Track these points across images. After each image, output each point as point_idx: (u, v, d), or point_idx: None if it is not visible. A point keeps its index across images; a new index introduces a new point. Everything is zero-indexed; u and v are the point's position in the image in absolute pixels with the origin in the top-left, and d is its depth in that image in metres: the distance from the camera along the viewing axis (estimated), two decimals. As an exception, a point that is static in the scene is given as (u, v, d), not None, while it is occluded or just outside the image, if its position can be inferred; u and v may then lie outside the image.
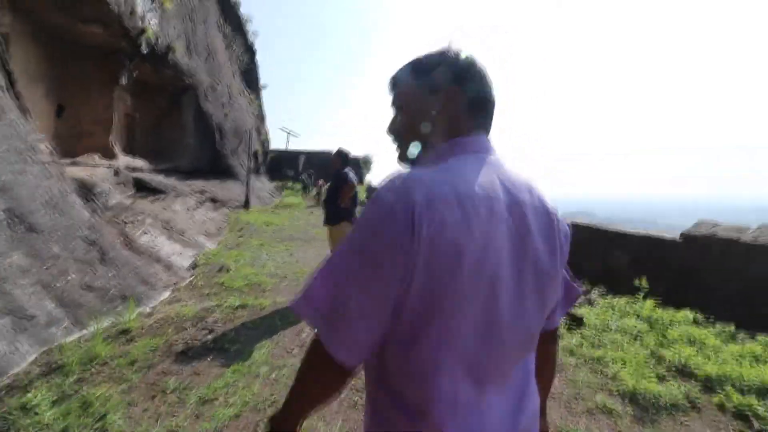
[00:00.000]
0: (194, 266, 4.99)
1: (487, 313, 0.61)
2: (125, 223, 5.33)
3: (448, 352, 0.60)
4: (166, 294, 3.70)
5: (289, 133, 19.52)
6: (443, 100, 0.74)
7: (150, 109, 12.44)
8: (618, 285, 4.74)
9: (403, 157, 0.80)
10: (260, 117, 21.17)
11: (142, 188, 10.01)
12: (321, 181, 19.63)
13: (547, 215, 0.71)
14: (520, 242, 0.65)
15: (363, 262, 0.60)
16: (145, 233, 5.26)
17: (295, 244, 7.58)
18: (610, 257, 5.07)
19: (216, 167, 13.64)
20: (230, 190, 12.98)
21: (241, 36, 19.40)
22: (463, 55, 0.76)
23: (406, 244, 0.57)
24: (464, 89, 0.73)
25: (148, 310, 3.28)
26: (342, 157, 4.23)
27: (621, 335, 3.34)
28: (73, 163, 7.52)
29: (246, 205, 12.30)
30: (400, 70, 0.80)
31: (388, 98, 0.82)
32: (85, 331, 2.84)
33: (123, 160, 9.88)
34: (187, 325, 3.05)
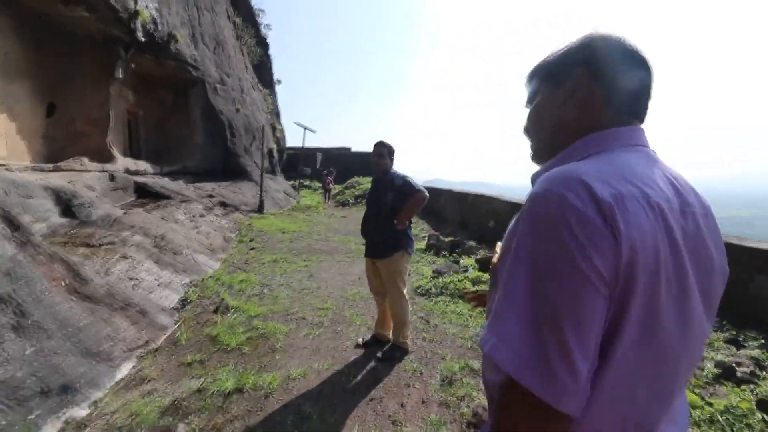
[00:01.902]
0: (184, 303, 3.78)
1: (677, 330, 0.54)
2: (99, 246, 4.16)
3: (645, 377, 0.53)
4: (126, 369, 2.47)
5: (305, 129, 18.30)
6: (570, 88, 0.66)
7: (154, 106, 11.42)
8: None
9: (536, 157, 0.74)
10: (275, 113, 20.08)
11: (145, 193, 8.97)
12: (330, 179, 18.55)
13: (712, 217, 0.64)
14: (694, 247, 0.57)
15: (568, 286, 0.47)
16: (125, 258, 4.08)
17: (314, 258, 6.34)
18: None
19: (227, 168, 12.57)
20: (243, 192, 11.87)
21: (253, 27, 18.29)
22: (592, 36, 0.66)
23: (611, 252, 0.48)
24: (594, 71, 0.64)
25: (82, 412, 2.05)
26: (391, 153, 2.91)
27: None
28: (56, 169, 6.47)
29: (260, 208, 11.18)
30: (534, 67, 0.74)
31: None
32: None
33: (122, 162, 8.85)
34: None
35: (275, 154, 16.93)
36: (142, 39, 8.37)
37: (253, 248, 6.89)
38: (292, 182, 20.21)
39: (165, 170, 10.66)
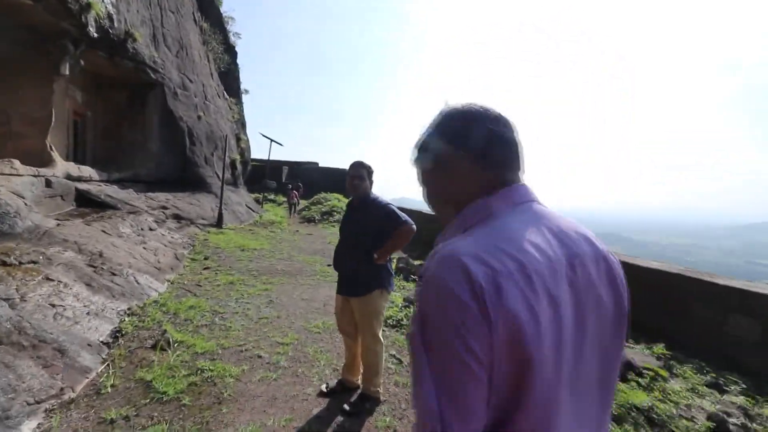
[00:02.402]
0: (116, 336, 3.23)
1: (559, 380, 0.57)
2: (17, 264, 3.54)
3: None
4: (27, 430, 1.96)
5: (272, 141, 17.72)
6: (452, 167, 0.70)
7: (106, 108, 10.57)
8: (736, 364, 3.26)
9: (444, 224, 0.75)
10: (240, 123, 19.38)
11: (87, 202, 8.11)
12: (295, 192, 18.27)
13: (605, 261, 0.67)
14: (584, 296, 0.62)
15: (450, 373, 0.53)
16: (48, 281, 3.48)
17: (276, 280, 5.85)
18: (724, 323, 3.58)
19: (185, 178, 11.79)
20: (201, 204, 11.12)
21: (221, 33, 17.71)
22: (451, 111, 0.72)
23: (486, 335, 0.52)
24: (467, 147, 0.69)
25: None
26: (370, 175, 2.53)
27: None
28: (-22, 171, 5.65)
29: (218, 223, 10.48)
30: (412, 149, 0.79)
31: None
32: None
33: (63, 167, 7.99)
34: None
35: (238, 166, 16.20)
36: (95, 35, 7.70)
37: (207, 267, 6.30)
38: (255, 195, 19.42)
39: (114, 177, 9.79)
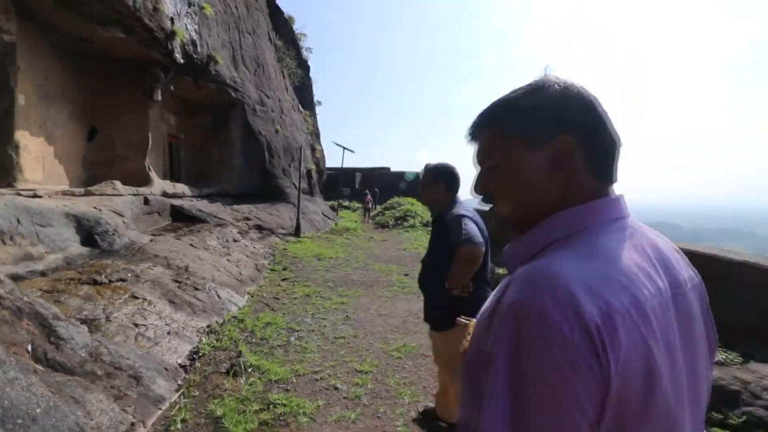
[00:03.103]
0: (194, 358, 3.11)
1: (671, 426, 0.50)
2: (107, 283, 3.63)
3: None
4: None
5: (344, 149, 17.97)
6: (552, 155, 0.55)
7: (195, 129, 11.40)
8: None
9: (503, 227, 0.62)
10: (315, 134, 20.00)
11: (181, 217, 8.73)
12: (369, 197, 19.28)
13: (700, 285, 0.61)
14: (688, 329, 0.54)
15: (540, 408, 0.43)
16: (134, 299, 3.52)
17: (352, 292, 5.58)
18: None
19: (266, 190, 12.29)
20: (280, 214, 11.47)
21: (294, 49, 18.46)
22: (567, 88, 0.57)
23: (598, 385, 0.42)
24: (578, 136, 0.55)
25: None
26: (439, 178, 2.03)
27: None
28: (87, 193, 6.23)
29: (296, 232, 10.68)
30: (482, 115, 0.61)
31: (469, 148, 0.65)
32: None
33: (160, 185, 8.67)
34: None
35: (314, 175, 16.64)
36: (181, 60, 8.23)
37: (285, 278, 6.26)
38: (331, 203, 19.87)
39: (204, 192, 10.49)
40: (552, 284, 0.46)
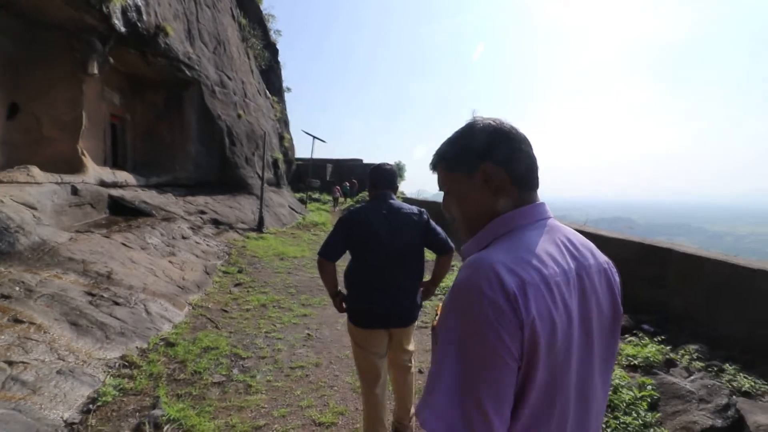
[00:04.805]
0: (89, 409, 2.27)
1: (567, 385, 0.67)
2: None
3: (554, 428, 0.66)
4: None
5: (315, 139, 16.96)
6: (480, 180, 0.75)
7: (144, 110, 10.15)
8: None
9: (462, 233, 0.83)
10: (283, 122, 18.83)
11: (120, 210, 7.62)
12: (338, 188, 20.41)
13: (605, 272, 0.77)
14: (588, 305, 0.71)
15: (485, 362, 0.60)
16: (17, 323, 2.62)
17: (316, 301, 4.82)
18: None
19: (226, 179, 11.22)
20: (241, 207, 10.47)
21: (261, 30, 17.17)
22: (486, 127, 0.77)
23: (517, 333, 0.59)
24: (497, 161, 0.74)
25: None
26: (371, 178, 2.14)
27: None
28: (-9, 181, 5.10)
29: (259, 226, 9.74)
30: (436, 154, 0.84)
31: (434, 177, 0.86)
32: None
33: (96, 172, 7.51)
34: None
35: (281, 165, 15.58)
36: (123, 29, 7.09)
37: (239, 283, 5.41)
38: (299, 195, 18.85)
39: (152, 182, 9.34)
40: (484, 266, 0.63)
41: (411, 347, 2.14)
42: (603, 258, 0.78)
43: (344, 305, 2.11)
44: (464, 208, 0.79)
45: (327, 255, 2.01)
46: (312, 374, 2.94)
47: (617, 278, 0.79)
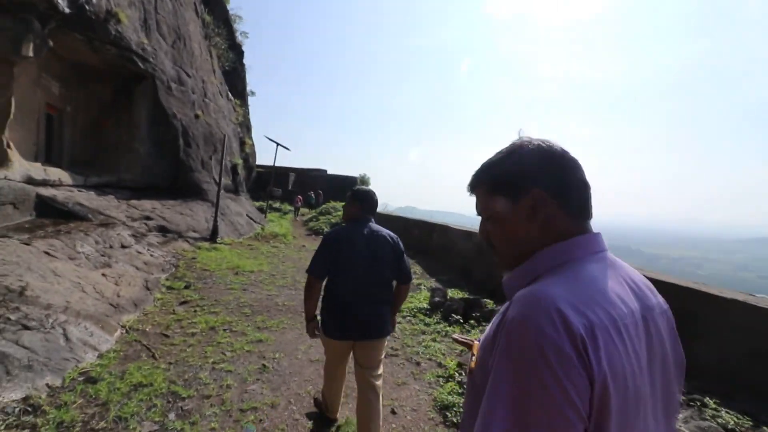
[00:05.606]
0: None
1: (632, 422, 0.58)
2: None
3: None
4: None
5: (278, 146, 16.30)
6: (529, 207, 0.68)
7: (87, 102, 9.19)
8: None
9: (502, 266, 0.74)
10: (246, 127, 18.02)
11: (50, 212, 6.69)
12: (300, 197, 20.77)
13: (667, 314, 0.70)
14: (655, 350, 0.63)
15: (549, 423, 0.50)
16: None
17: (274, 323, 4.33)
18: None
19: (178, 184, 10.37)
20: (193, 215, 9.67)
21: (226, 29, 16.45)
22: (536, 148, 0.70)
23: (585, 388, 0.51)
24: (549, 188, 0.67)
25: None
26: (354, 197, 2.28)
27: None
28: None
29: (213, 236, 9.00)
30: (475, 175, 0.76)
31: (471, 199, 0.79)
32: None
33: (23, 168, 6.58)
34: None
35: (241, 171, 14.79)
36: (66, 10, 6.36)
37: (184, 301, 4.79)
38: (259, 204, 18.01)
39: (92, 182, 8.39)
40: (544, 303, 0.54)
41: (380, 370, 2.21)
42: (662, 298, 0.72)
43: (316, 333, 2.18)
44: (507, 236, 0.71)
45: (317, 273, 2.06)
46: (267, 418, 2.49)
47: (674, 321, 0.72)
